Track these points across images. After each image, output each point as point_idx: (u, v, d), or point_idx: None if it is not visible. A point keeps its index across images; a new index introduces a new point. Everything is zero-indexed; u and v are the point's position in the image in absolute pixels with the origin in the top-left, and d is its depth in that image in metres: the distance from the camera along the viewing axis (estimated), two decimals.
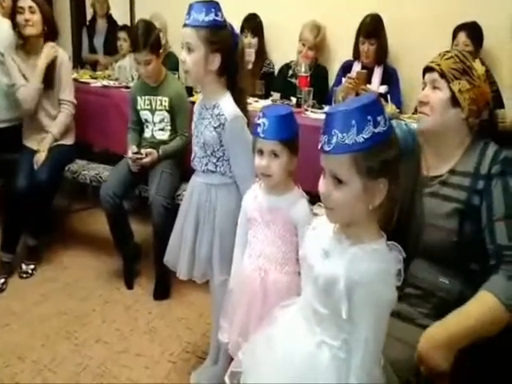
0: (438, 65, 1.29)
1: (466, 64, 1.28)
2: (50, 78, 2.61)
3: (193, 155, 1.68)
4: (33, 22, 2.53)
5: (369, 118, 0.86)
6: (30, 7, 2.52)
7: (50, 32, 2.62)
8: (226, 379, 1.17)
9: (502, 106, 2.68)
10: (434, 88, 1.30)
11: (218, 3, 1.51)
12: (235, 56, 1.56)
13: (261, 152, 1.37)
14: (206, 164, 1.62)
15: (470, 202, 1.27)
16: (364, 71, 2.78)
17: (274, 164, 1.35)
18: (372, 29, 2.90)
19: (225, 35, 1.52)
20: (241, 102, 1.59)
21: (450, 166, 1.33)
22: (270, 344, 1.05)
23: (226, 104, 1.56)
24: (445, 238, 1.27)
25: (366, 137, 0.86)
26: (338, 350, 0.95)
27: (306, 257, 1.03)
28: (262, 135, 1.34)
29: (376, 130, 0.87)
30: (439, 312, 1.23)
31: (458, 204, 1.27)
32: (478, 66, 1.28)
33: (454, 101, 1.28)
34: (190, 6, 1.50)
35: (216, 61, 1.52)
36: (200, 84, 1.63)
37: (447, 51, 1.33)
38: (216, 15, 1.49)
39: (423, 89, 1.35)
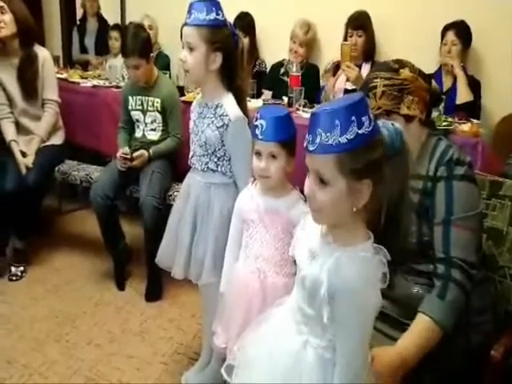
0: (379, 107, 1.28)
1: (395, 84, 1.27)
2: (32, 87, 2.53)
3: (191, 154, 1.66)
4: (5, 23, 2.41)
5: (353, 118, 0.84)
6: (1, 7, 2.40)
7: (25, 31, 2.48)
8: (223, 371, 1.15)
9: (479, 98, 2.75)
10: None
11: (218, 2, 1.49)
12: (235, 55, 1.55)
13: (259, 153, 1.35)
14: (207, 163, 1.60)
15: (422, 204, 1.30)
16: (348, 43, 2.77)
17: (273, 166, 1.34)
18: (359, 21, 2.93)
19: (225, 34, 1.51)
20: (241, 102, 1.58)
21: None
22: (259, 343, 1.04)
23: (229, 104, 1.54)
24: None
25: (349, 138, 0.84)
26: (324, 351, 0.94)
27: (295, 257, 1.02)
28: (260, 137, 1.32)
29: (360, 131, 0.85)
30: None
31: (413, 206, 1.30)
32: (404, 72, 1.28)
33: (408, 119, 1.29)
34: (191, 5, 1.47)
35: (217, 60, 1.51)
36: (201, 83, 1.61)
37: (372, 87, 1.29)
38: (217, 14, 1.47)
39: None
